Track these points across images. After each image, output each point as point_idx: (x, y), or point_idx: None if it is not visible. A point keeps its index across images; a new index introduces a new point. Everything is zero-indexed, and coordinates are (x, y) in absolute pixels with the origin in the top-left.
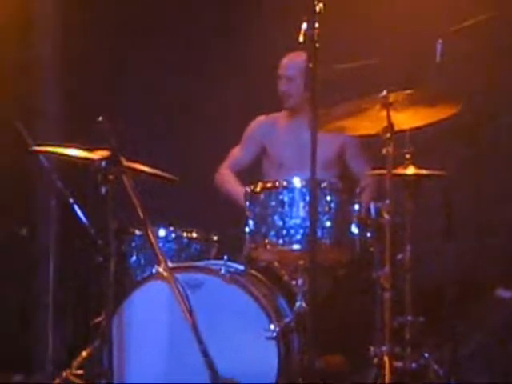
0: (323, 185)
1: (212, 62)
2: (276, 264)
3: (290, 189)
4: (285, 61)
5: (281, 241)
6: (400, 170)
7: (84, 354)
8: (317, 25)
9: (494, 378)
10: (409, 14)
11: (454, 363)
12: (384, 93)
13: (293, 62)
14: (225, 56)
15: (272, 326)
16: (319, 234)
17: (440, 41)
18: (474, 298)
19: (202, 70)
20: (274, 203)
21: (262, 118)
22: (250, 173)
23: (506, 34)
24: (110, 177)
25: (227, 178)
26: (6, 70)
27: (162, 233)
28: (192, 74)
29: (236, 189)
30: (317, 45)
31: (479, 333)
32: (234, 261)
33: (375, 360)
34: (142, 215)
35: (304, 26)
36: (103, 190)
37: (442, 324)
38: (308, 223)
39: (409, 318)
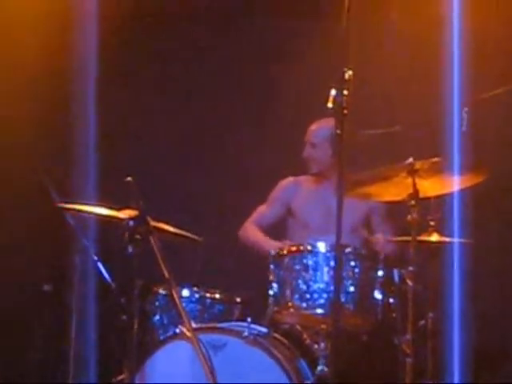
0: (348, 250)
1: (239, 122)
2: (298, 327)
3: (314, 253)
4: (312, 127)
5: (304, 304)
6: (424, 237)
7: None
8: (345, 92)
9: None
10: (436, 81)
11: None
12: (410, 160)
13: (319, 129)
14: (254, 116)
15: None
16: (343, 298)
17: (466, 109)
18: (496, 365)
19: (230, 129)
20: (298, 267)
21: (290, 178)
22: (274, 233)
23: None
24: (137, 236)
25: (252, 231)
26: (37, 128)
27: (185, 293)
28: (220, 133)
29: (262, 237)
30: (345, 111)
31: None
32: (257, 323)
33: None
34: (166, 275)
35: (333, 92)
36: (129, 248)
37: None
38: (332, 288)
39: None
